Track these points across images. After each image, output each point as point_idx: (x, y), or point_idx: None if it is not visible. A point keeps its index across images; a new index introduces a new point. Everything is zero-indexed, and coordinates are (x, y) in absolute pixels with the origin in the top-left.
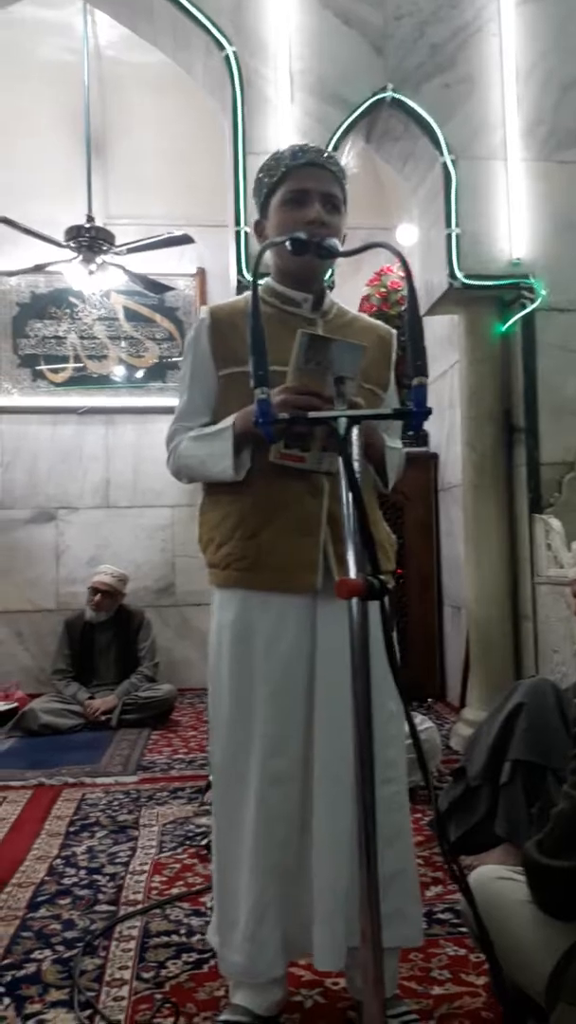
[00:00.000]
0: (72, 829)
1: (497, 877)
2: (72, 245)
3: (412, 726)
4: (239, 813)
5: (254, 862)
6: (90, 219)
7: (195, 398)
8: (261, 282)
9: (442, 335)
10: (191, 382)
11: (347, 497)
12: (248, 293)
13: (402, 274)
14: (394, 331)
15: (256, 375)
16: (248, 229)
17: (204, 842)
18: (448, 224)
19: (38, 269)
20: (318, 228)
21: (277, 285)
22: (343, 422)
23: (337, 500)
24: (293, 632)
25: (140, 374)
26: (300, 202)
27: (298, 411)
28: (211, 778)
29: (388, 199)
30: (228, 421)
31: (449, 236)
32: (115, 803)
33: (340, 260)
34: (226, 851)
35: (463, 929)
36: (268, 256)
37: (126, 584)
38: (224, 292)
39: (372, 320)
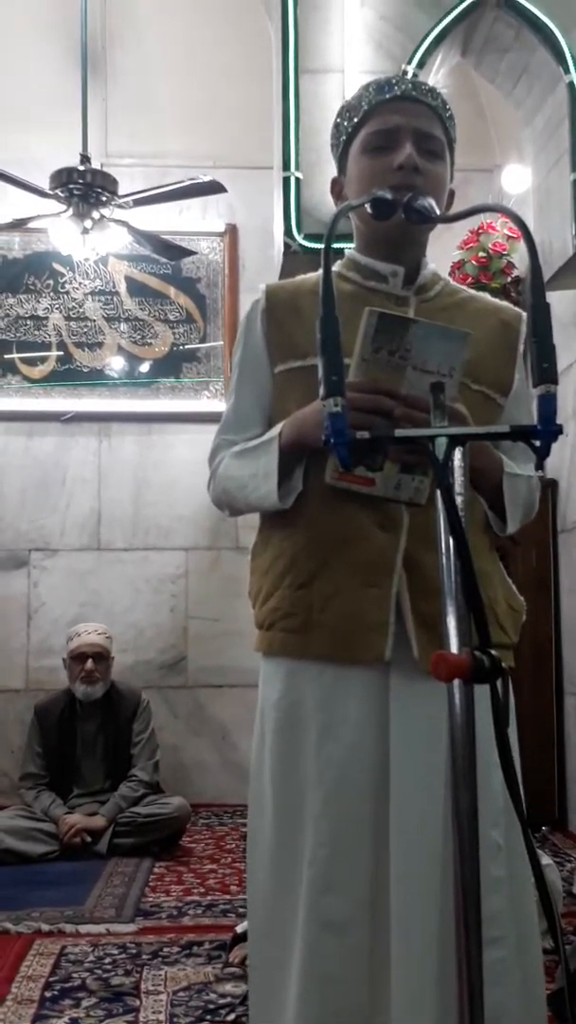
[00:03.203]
0: (49, 995)
1: None
2: (60, 194)
3: (536, 864)
4: (281, 974)
5: None
6: (85, 159)
7: (244, 403)
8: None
9: (564, 318)
10: (239, 382)
11: (446, 542)
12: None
13: (509, 232)
14: (524, 314)
15: (328, 381)
16: (299, 174)
17: (231, 1017)
18: (575, 166)
19: (13, 226)
20: (409, 177)
21: (360, 256)
22: (443, 442)
23: (421, 539)
24: (355, 718)
25: (146, 368)
26: (384, 147)
27: (382, 423)
28: (241, 928)
29: (490, 131)
30: (275, 431)
31: None
32: (107, 960)
33: None
34: None
35: None
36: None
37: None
38: (263, 257)
39: (494, 300)
